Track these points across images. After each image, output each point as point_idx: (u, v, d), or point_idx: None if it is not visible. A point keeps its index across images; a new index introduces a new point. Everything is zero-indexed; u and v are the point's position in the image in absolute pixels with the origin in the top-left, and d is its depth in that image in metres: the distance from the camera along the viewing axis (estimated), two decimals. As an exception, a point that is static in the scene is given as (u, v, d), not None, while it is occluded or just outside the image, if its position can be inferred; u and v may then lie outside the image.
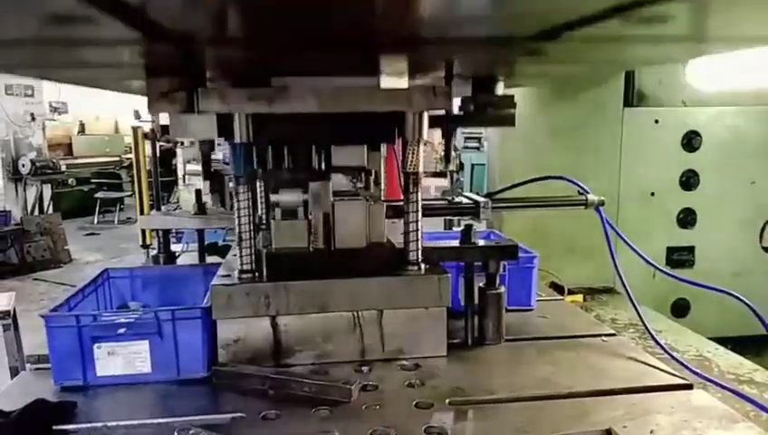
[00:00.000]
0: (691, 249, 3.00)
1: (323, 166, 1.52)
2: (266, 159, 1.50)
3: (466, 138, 11.53)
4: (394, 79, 1.32)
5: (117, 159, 11.02)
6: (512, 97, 1.51)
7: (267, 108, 1.27)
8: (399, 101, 1.31)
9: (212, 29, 0.77)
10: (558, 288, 2.20)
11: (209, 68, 1.25)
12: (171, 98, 1.29)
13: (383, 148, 1.70)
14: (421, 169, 1.41)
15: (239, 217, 1.38)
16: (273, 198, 1.44)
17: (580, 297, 2.70)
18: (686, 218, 2.99)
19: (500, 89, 1.52)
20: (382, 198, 1.71)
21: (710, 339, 2.36)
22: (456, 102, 1.56)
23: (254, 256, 1.41)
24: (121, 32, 0.72)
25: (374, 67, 1.22)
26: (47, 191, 8.46)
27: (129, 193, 10.30)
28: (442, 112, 1.52)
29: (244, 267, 1.40)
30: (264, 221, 1.86)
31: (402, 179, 1.45)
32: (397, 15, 0.70)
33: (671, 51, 1.20)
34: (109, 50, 0.94)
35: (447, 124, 1.57)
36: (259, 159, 1.48)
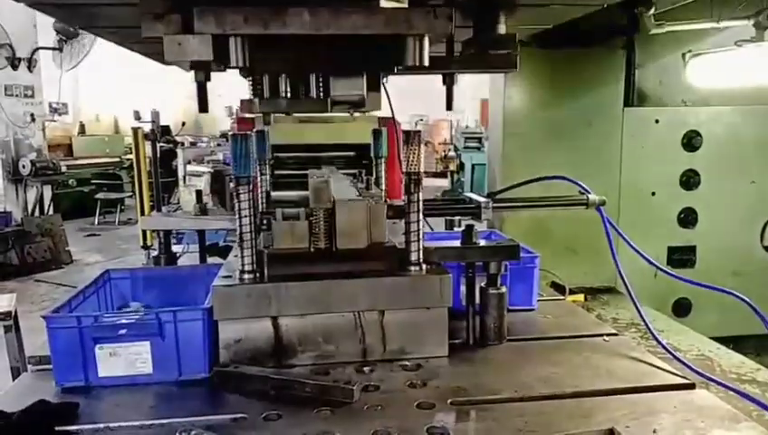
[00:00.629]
0: (692, 249, 3.00)
1: (322, 95, 1.47)
2: (263, 88, 1.45)
3: (467, 138, 11.56)
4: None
5: (117, 159, 11.04)
6: (513, 36, 1.47)
7: (264, 29, 1.24)
8: (399, 24, 1.26)
9: None
10: (559, 288, 2.20)
11: None
12: (166, 20, 1.26)
13: (382, 95, 1.65)
14: (422, 169, 1.41)
15: (240, 217, 1.38)
16: (274, 195, 1.42)
17: (581, 297, 2.70)
18: (687, 218, 2.99)
19: (502, 28, 1.48)
20: (383, 199, 1.71)
21: (711, 338, 2.36)
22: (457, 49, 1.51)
23: (255, 257, 1.40)
24: None
25: None
26: (47, 192, 8.46)
27: (130, 194, 10.30)
28: (443, 54, 1.49)
29: (246, 268, 1.40)
30: (266, 222, 1.86)
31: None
32: None
33: None
34: None
35: (447, 65, 1.53)
36: (256, 88, 1.44)
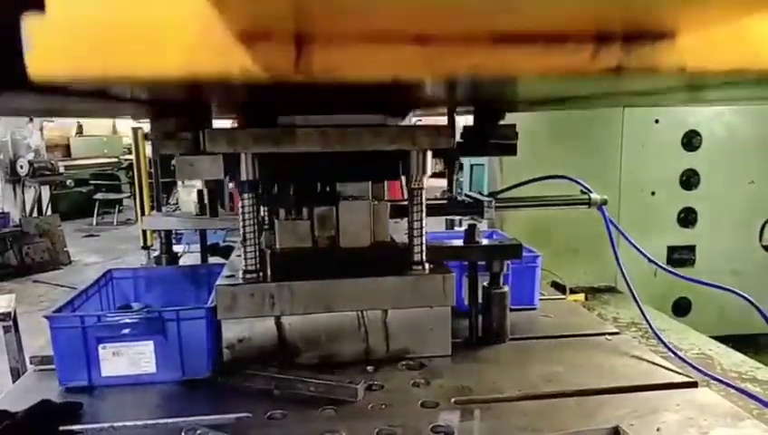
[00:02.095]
0: (692, 248, 3.01)
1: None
2: (272, 193, 1.52)
3: (465, 138, 11.57)
4: (398, 118, 1.37)
5: (115, 160, 11.00)
6: (513, 126, 1.53)
7: (274, 148, 1.29)
8: (404, 141, 1.34)
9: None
10: (560, 287, 2.20)
11: (215, 108, 1.27)
12: (177, 139, 1.30)
13: (385, 185, 1.72)
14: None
15: (243, 217, 1.38)
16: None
17: (581, 296, 2.70)
18: (687, 217, 3.00)
19: (503, 120, 1.55)
20: (386, 198, 1.71)
21: (711, 337, 2.37)
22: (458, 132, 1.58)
23: (258, 257, 1.40)
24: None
25: (379, 105, 1.24)
26: (45, 193, 8.44)
27: (128, 194, 10.28)
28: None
29: (249, 267, 1.40)
30: (268, 221, 1.86)
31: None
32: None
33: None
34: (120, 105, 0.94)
35: (450, 155, 1.61)
36: (264, 192, 1.50)
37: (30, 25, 0.56)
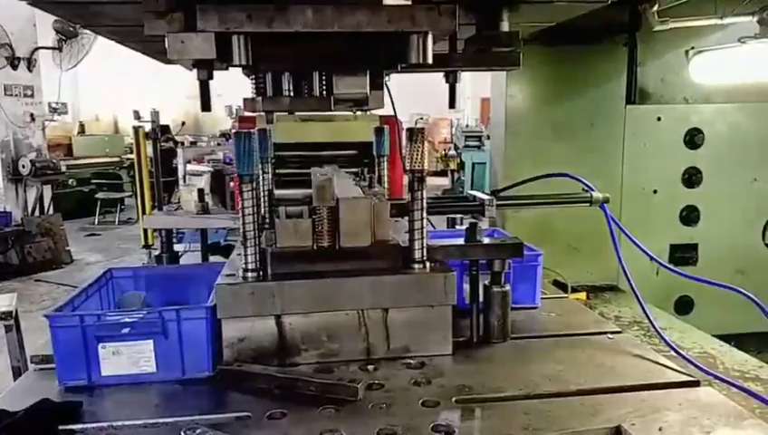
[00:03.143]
0: (694, 246, 3.00)
1: (325, 93, 1.47)
2: (266, 86, 1.46)
3: (467, 136, 11.55)
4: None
5: (117, 159, 11.02)
6: (516, 33, 1.47)
7: (267, 26, 1.23)
8: (403, 20, 1.26)
9: None
10: (561, 286, 2.20)
11: None
12: (169, 18, 1.26)
13: (384, 93, 1.65)
14: (426, 166, 1.40)
15: (244, 216, 1.37)
16: (277, 193, 1.41)
17: (583, 295, 2.70)
18: (689, 216, 2.99)
19: (505, 26, 1.48)
20: (386, 197, 1.70)
21: (713, 336, 2.36)
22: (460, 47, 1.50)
23: (258, 256, 1.40)
24: None
25: None
26: (47, 192, 8.45)
27: (130, 193, 10.29)
28: (446, 52, 1.49)
29: (249, 266, 1.39)
30: (268, 220, 1.85)
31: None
32: None
33: None
34: None
35: (450, 63, 1.51)
36: (258, 86, 1.44)
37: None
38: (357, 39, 1.29)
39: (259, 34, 1.26)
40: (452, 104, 1.59)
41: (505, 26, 1.47)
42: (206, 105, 1.40)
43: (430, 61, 1.32)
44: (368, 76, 1.44)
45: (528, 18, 1.67)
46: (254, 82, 1.48)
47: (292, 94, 1.44)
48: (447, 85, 1.58)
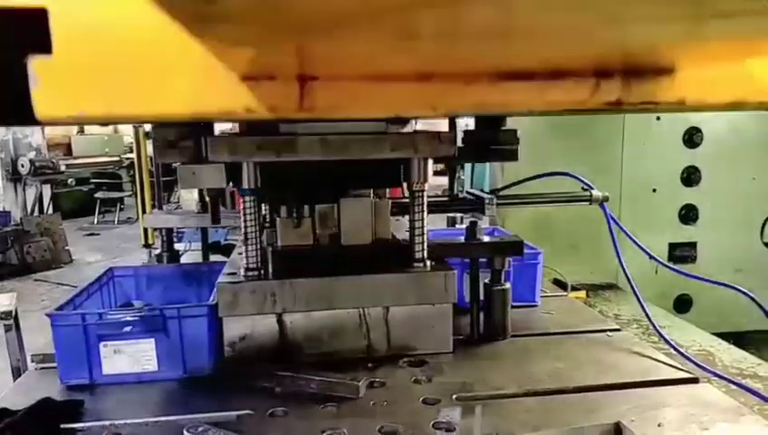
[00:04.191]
0: (693, 245, 3.00)
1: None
2: (274, 198, 1.53)
3: (466, 136, 11.56)
4: (399, 124, 1.36)
5: (116, 158, 11.00)
6: (514, 132, 1.53)
7: (276, 157, 1.29)
8: (405, 148, 1.34)
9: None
10: (560, 284, 2.20)
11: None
12: (179, 147, 1.30)
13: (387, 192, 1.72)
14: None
15: (245, 214, 1.38)
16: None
17: (582, 294, 2.70)
18: (688, 214, 2.99)
19: (504, 125, 1.54)
20: (387, 195, 1.71)
21: (711, 334, 2.36)
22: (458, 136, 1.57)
23: (259, 254, 1.40)
24: None
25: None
26: (47, 191, 8.45)
27: (129, 193, 10.29)
28: None
29: (250, 265, 1.40)
30: (269, 220, 1.86)
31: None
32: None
33: None
34: None
35: (451, 161, 1.61)
36: (266, 197, 1.51)
37: (36, 67, 0.56)
38: (361, 162, 1.35)
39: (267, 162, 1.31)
40: (452, 193, 1.67)
41: (505, 125, 1.53)
42: (215, 220, 1.49)
43: (430, 180, 1.40)
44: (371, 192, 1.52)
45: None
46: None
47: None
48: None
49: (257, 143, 1.28)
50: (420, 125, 1.49)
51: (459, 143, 1.55)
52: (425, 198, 1.42)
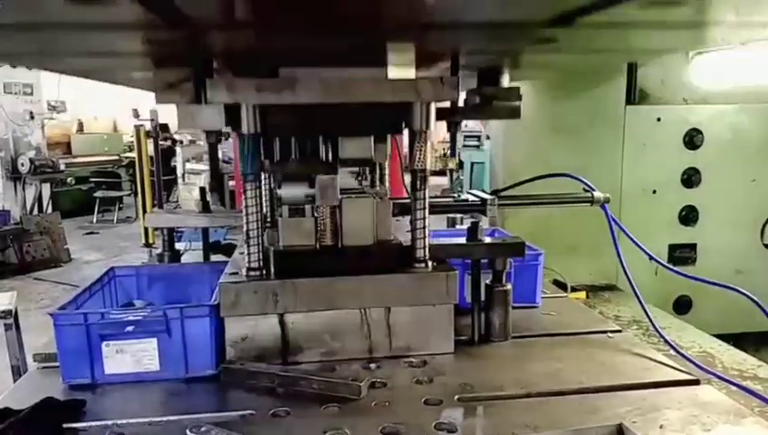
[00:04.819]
0: (693, 246, 3.00)
1: (331, 158, 1.50)
2: (273, 150, 1.48)
3: (466, 136, 11.54)
4: (401, 69, 1.31)
5: (116, 157, 11.01)
6: (517, 89, 1.50)
7: (275, 98, 1.26)
8: (407, 92, 1.30)
9: (221, 11, 0.77)
10: (561, 286, 2.21)
11: (217, 58, 1.25)
12: (179, 89, 1.28)
13: (388, 145, 1.70)
14: (429, 166, 1.41)
15: (247, 214, 1.38)
16: (279, 191, 1.43)
17: (582, 295, 2.70)
18: (688, 216, 2.99)
19: (505, 81, 1.52)
20: (388, 196, 1.71)
21: (712, 336, 2.37)
22: (461, 98, 1.55)
23: (261, 254, 1.41)
24: (133, 14, 0.71)
25: (382, 58, 1.21)
26: (46, 190, 8.44)
27: (128, 192, 10.29)
28: (447, 105, 1.52)
29: (252, 265, 1.40)
30: (270, 219, 1.86)
31: (409, 176, 1.45)
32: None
33: (679, 39, 1.19)
34: (119, 36, 0.93)
35: (453, 116, 1.56)
36: (266, 151, 1.46)
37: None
38: (363, 107, 1.32)
39: (267, 104, 1.28)
40: (453, 152, 1.65)
41: (506, 82, 1.51)
42: (215, 167, 1.47)
43: (432, 127, 1.37)
44: (372, 138, 1.48)
45: (528, 75, 1.71)
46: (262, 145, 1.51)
47: (298, 157, 1.48)
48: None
49: (256, 84, 1.26)
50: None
51: (461, 103, 1.53)
52: (426, 195, 1.42)
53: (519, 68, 1.59)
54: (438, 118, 1.44)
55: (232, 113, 1.29)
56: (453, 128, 1.63)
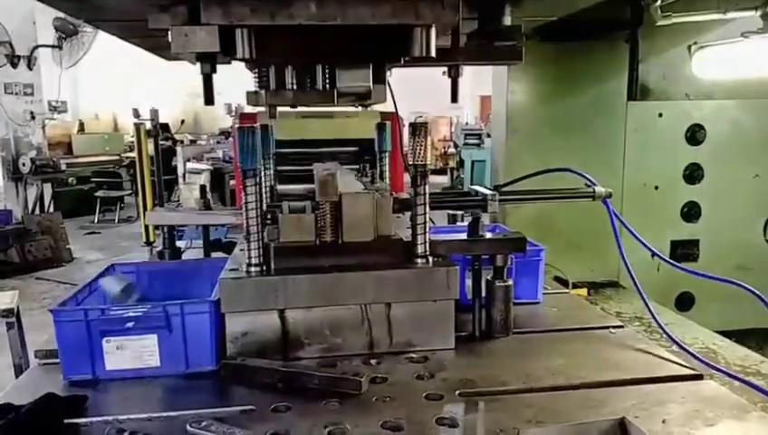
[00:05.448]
0: (695, 242, 3.00)
1: (328, 87, 1.48)
2: (269, 79, 1.45)
3: (467, 134, 11.55)
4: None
5: (116, 157, 11.01)
6: (519, 27, 1.46)
7: (270, 20, 1.23)
8: (406, 13, 1.26)
9: None
10: (562, 282, 2.20)
11: None
12: (172, 11, 1.25)
13: (387, 88, 1.65)
14: (429, 162, 1.40)
15: (247, 210, 1.37)
16: (279, 188, 1.41)
17: (584, 291, 2.70)
18: (691, 212, 2.99)
19: (507, 20, 1.48)
20: (389, 192, 1.70)
21: (713, 332, 2.36)
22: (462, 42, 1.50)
23: (261, 250, 1.40)
24: None
25: None
26: (48, 190, 8.45)
27: (129, 192, 10.28)
28: (448, 46, 1.49)
29: (253, 261, 1.40)
30: (271, 216, 1.85)
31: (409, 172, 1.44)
32: None
33: None
34: None
35: (453, 57, 1.50)
36: (261, 80, 1.43)
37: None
38: (360, 32, 1.29)
39: (262, 28, 1.25)
40: (454, 98, 1.59)
41: (507, 21, 1.47)
42: (209, 99, 1.40)
43: (433, 54, 1.32)
44: (370, 69, 1.44)
45: (530, 12, 1.67)
46: (256, 75, 1.48)
47: (295, 88, 1.44)
48: (449, 81, 1.58)
49: (251, 5, 1.23)
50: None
51: (462, 43, 1.47)
52: (427, 190, 1.41)
53: (520, 3, 1.55)
54: (438, 59, 1.39)
55: (226, 36, 1.25)
56: (453, 72, 1.58)
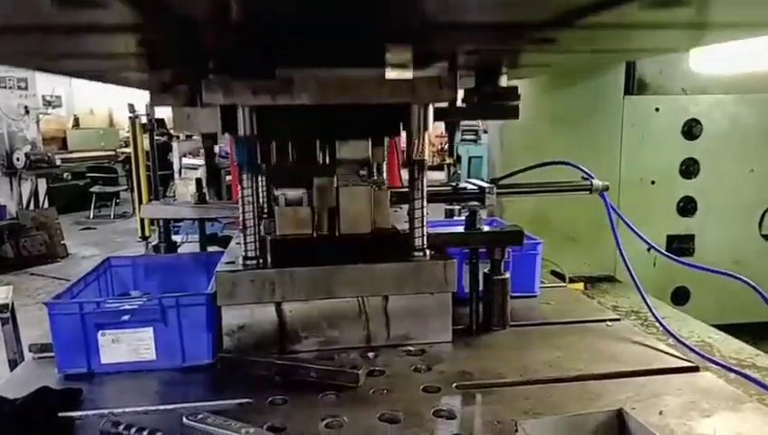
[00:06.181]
0: (691, 237, 3.00)
1: (328, 160, 1.50)
2: (270, 152, 1.48)
3: (464, 130, 11.53)
4: (399, 70, 1.29)
5: (112, 153, 10.95)
6: (515, 88, 1.50)
7: (271, 100, 1.25)
8: (405, 93, 1.29)
9: (215, 11, 0.75)
10: (559, 276, 2.20)
11: (212, 60, 1.23)
12: (174, 91, 1.27)
13: (386, 148, 1.69)
14: (427, 156, 1.40)
15: (243, 203, 1.37)
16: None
17: (580, 285, 2.70)
18: (687, 206, 2.99)
19: (504, 80, 1.52)
20: (386, 185, 1.70)
21: (709, 326, 2.37)
22: (459, 96, 1.54)
23: (258, 243, 1.39)
24: (126, 16, 0.70)
25: (379, 58, 1.21)
26: (42, 185, 8.40)
27: (125, 187, 10.24)
28: (446, 105, 1.51)
29: (249, 254, 1.39)
30: (267, 210, 1.85)
31: (407, 166, 1.44)
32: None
33: (677, 38, 1.18)
34: (112, 38, 0.92)
35: (451, 117, 1.57)
36: (263, 153, 1.46)
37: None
38: (360, 108, 1.31)
39: (264, 106, 1.27)
40: (451, 153, 1.65)
41: (504, 81, 1.50)
42: (213, 171, 1.44)
43: (431, 128, 1.36)
44: (370, 140, 1.46)
45: (527, 74, 1.71)
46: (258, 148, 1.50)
47: (295, 159, 1.46)
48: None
49: (253, 86, 1.24)
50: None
51: (459, 103, 1.52)
52: (424, 184, 1.41)
53: (517, 68, 1.58)
54: (436, 118, 1.44)
55: (228, 115, 1.28)
56: (451, 128, 1.64)
